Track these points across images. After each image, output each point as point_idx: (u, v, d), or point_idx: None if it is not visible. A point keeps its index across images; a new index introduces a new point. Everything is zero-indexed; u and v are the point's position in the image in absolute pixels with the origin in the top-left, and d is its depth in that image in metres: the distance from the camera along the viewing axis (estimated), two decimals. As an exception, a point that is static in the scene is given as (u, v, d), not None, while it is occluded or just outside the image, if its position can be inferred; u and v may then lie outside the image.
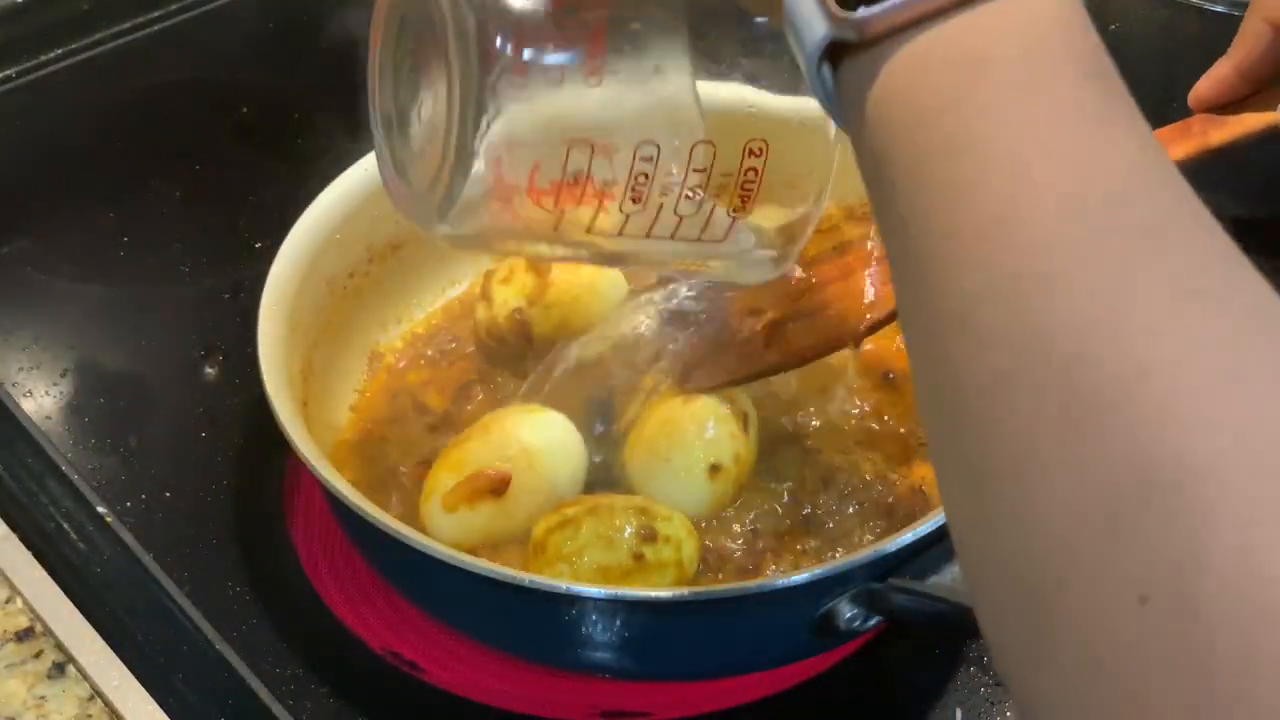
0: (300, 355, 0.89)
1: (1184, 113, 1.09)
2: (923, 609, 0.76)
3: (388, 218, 0.98)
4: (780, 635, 0.81)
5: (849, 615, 0.77)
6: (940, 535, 0.76)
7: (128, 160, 1.20)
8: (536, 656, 0.84)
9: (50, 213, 1.16)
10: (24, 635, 0.87)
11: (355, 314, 0.97)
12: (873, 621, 0.79)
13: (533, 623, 0.80)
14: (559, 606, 0.77)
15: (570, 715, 0.85)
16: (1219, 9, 1.01)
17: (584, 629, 0.78)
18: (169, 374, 1.03)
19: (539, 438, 0.85)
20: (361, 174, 0.96)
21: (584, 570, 0.78)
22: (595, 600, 0.77)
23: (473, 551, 0.80)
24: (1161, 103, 1.09)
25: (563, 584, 0.77)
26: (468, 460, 0.84)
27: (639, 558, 0.79)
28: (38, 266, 1.12)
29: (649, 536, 0.80)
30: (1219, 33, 1.03)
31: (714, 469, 0.84)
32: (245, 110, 1.25)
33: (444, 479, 0.84)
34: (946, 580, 0.75)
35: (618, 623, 0.78)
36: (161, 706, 0.82)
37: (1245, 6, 1.00)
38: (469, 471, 0.83)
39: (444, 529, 0.83)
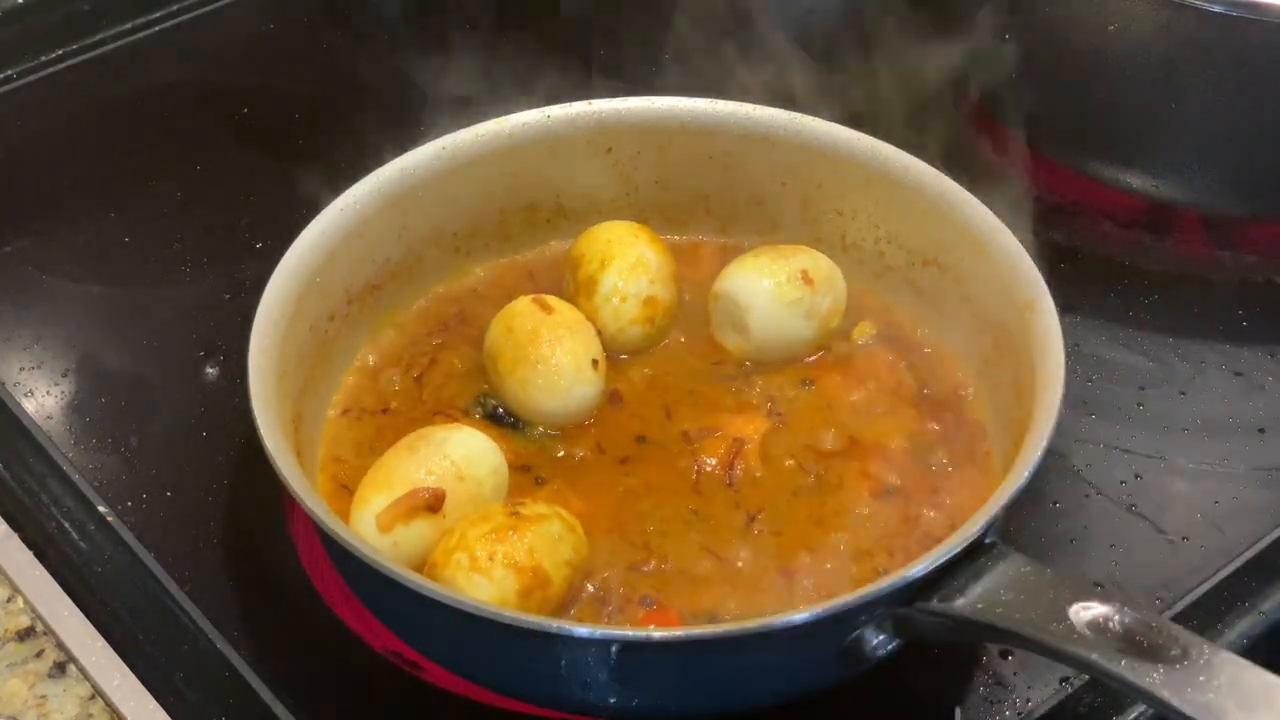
0: (291, 404, 0.87)
1: (1182, 113, 1.09)
2: (949, 630, 0.76)
3: (364, 258, 0.96)
4: (808, 666, 0.80)
5: (875, 642, 0.77)
6: (963, 556, 0.76)
7: (128, 160, 1.20)
8: (560, 703, 0.82)
9: (50, 213, 1.16)
10: (25, 635, 0.87)
11: (335, 356, 0.95)
12: (897, 645, 0.79)
13: (558, 668, 0.78)
14: (587, 651, 0.76)
15: (570, 715, 0.85)
16: (1219, 9, 1.01)
17: (612, 671, 0.77)
18: (169, 374, 1.03)
19: (463, 452, 0.85)
20: (336, 215, 0.94)
21: (475, 544, 0.79)
22: (622, 641, 0.76)
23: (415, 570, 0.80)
24: (1161, 103, 1.09)
25: (588, 628, 0.77)
26: (396, 479, 0.83)
27: (516, 514, 0.80)
28: (38, 266, 1.12)
29: (514, 504, 0.81)
30: (1219, 33, 1.03)
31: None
32: (245, 110, 1.25)
33: (373, 499, 0.83)
34: (972, 600, 0.75)
35: (642, 662, 0.77)
36: (162, 706, 0.83)
37: (1245, 6, 1.01)
38: (400, 490, 0.83)
39: (379, 549, 0.81)
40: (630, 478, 0.90)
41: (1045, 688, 0.85)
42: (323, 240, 0.93)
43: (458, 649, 0.82)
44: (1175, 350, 1.05)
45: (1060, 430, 0.97)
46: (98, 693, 0.84)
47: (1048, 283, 0.89)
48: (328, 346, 0.94)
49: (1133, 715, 0.83)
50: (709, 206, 1.03)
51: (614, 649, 0.76)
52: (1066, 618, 0.72)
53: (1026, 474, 0.79)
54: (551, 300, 0.94)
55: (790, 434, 0.92)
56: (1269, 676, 0.69)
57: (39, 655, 0.86)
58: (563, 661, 0.77)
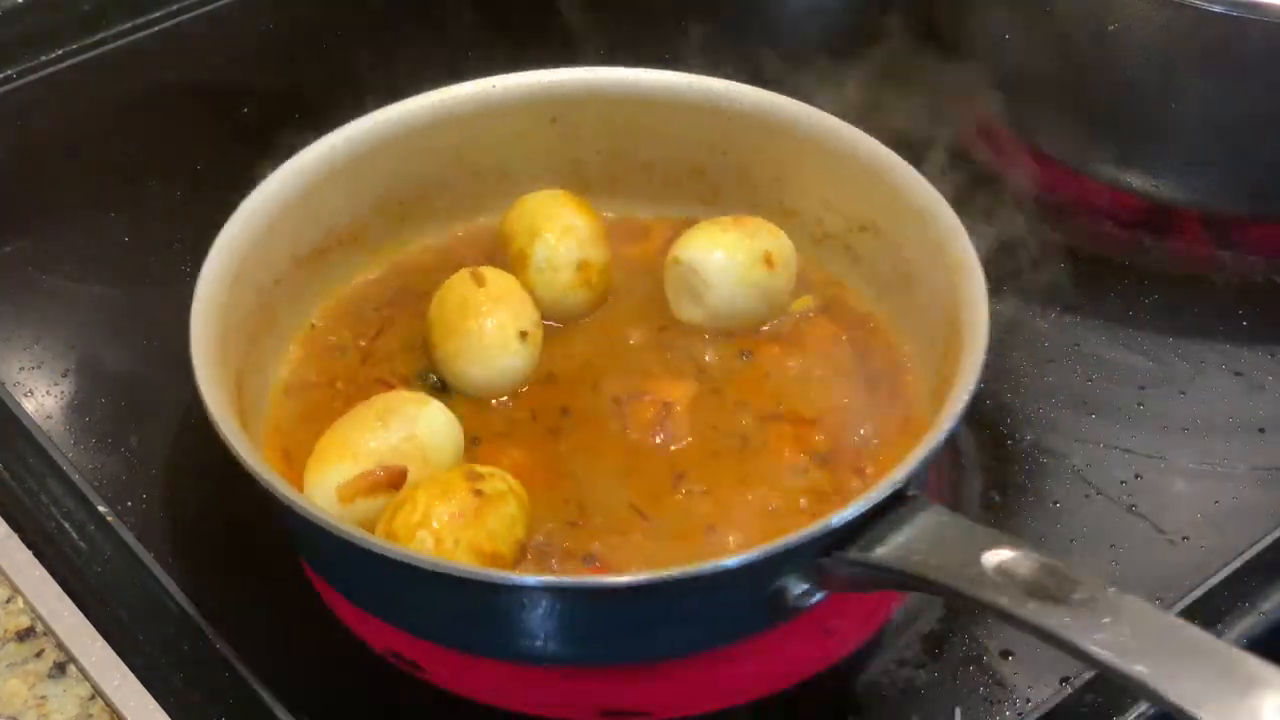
0: (233, 368, 0.88)
1: (1182, 113, 1.09)
2: (869, 579, 0.77)
3: (310, 223, 0.97)
4: (731, 613, 0.81)
5: (798, 591, 0.78)
6: (884, 507, 0.77)
7: (128, 160, 1.20)
8: (489, 650, 0.83)
9: (50, 213, 1.16)
10: (25, 635, 0.87)
11: (280, 322, 0.95)
12: (822, 595, 0.80)
13: (482, 615, 0.80)
14: (507, 597, 0.77)
15: (570, 715, 0.85)
16: (1219, 9, 1.01)
17: (541, 619, 0.78)
18: (169, 374, 1.02)
19: (429, 428, 0.86)
20: (280, 181, 0.94)
21: (441, 523, 0.79)
22: (548, 589, 0.77)
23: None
24: (1161, 103, 1.09)
25: (513, 575, 0.78)
26: (362, 450, 0.85)
27: (479, 494, 0.81)
28: (38, 266, 1.12)
29: (474, 476, 0.82)
30: (1219, 33, 1.03)
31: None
32: (245, 110, 1.25)
33: (334, 463, 0.84)
34: (892, 549, 0.76)
35: (567, 610, 0.78)
36: (162, 706, 0.83)
37: (1245, 6, 1.01)
38: (364, 461, 0.84)
39: (332, 513, 0.82)
40: (562, 441, 0.91)
41: (1045, 688, 0.85)
42: (266, 205, 0.93)
43: (380, 593, 0.83)
44: (1175, 350, 1.05)
45: (1060, 430, 0.98)
46: (98, 693, 0.84)
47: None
48: (272, 311, 0.94)
49: (1133, 715, 0.83)
50: (653, 176, 1.04)
51: (529, 596, 0.77)
52: (978, 564, 0.73)
53: (948, 428, 0.80)
54: (487, 272, 0.94)
55: (721, 400, 0.93)
56: (1171, 618, 0.71)
57: (39, 655, 0.86)
58: (487, 609, 0.79)
